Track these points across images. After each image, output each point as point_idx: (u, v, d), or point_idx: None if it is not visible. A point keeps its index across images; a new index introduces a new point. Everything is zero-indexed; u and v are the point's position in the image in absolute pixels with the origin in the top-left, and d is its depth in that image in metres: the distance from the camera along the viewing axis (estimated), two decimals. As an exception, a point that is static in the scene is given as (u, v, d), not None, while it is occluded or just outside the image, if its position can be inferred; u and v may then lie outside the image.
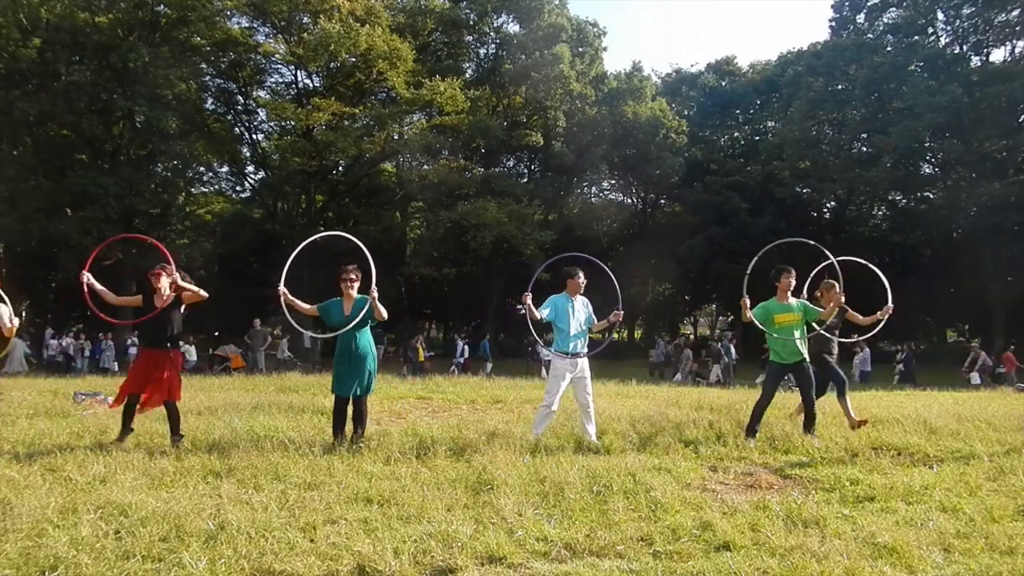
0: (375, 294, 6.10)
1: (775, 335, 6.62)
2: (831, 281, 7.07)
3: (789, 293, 6.74)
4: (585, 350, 6.60)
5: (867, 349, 23.50)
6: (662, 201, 44.42)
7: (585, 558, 3.44)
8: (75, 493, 4.36)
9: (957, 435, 6.67)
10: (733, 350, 24.20)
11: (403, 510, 4.13)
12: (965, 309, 35.63)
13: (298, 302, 6.28)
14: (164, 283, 6.17)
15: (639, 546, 3.60)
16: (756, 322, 6.70)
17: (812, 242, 7.77)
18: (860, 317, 7.26)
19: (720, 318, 52.34)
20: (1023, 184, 29.64)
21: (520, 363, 24.64)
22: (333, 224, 36.96)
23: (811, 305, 6.86)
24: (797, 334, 6.59)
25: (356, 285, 6.32)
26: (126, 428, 6.16)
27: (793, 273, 6.75)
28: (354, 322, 6.15)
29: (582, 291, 6.64)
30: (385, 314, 6.24)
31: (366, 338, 6.28)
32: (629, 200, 44.31)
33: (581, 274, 6.61)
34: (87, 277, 6.09)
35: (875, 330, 7.12)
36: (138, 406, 6.17)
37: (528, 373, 20.14)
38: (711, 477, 5.17)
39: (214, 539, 3.54)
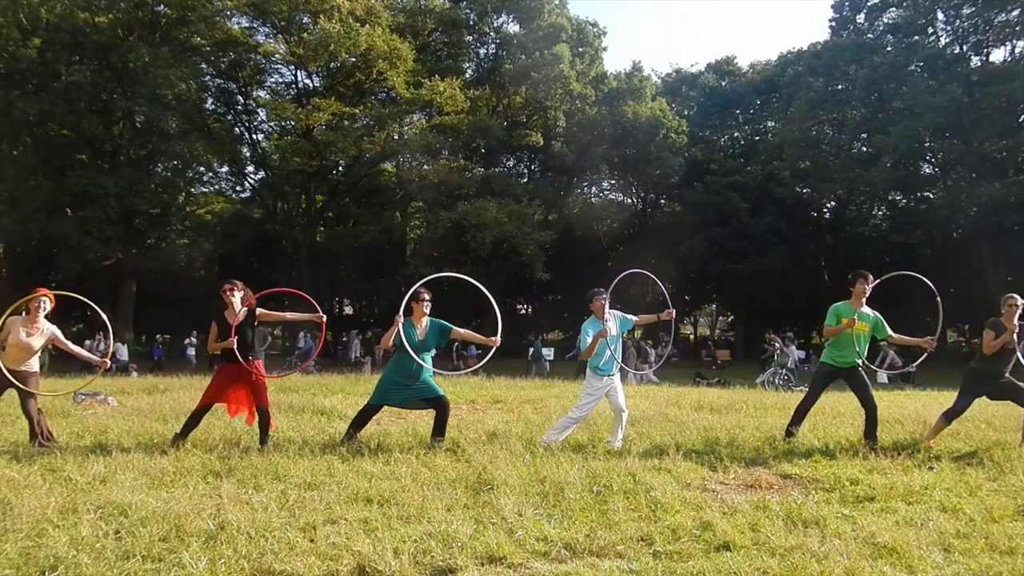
0: (497, 342, 6.29)
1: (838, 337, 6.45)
2: (1015, 296, 6.27)
3: (864, 300, 6.46)
4: (619, 365, 6.48)
5: (792, 345, 23.91)
6: (662, 201, 44.39)
7: (585, 558, 3.44)
8: (75, 493, 4.36)
9: (957, 435, 6.68)
10: (795, 351, 23.40)
11: (403, 510, 4.13)
12: (965, 309, 35.67)
13: (393, 335, 6.17)
14: (236, 299, 6.14)
15: (639, 546, 3.60)
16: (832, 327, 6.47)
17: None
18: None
19: (720, 318, 52.40)
20: (1023, 184, 29.61)
21: (520, 363, 24.63)
22: (333, 224, 37.01)
23: (884, 321, 6.52)
24: (860, 344, 6.41)
25: (429, 307, 6.36)
26: (185, 436, 6.10)
27: (870, 279, 6.45)
28: (427, 347, 6.27)
29: (607, 310, 6.39)
30: (496, 341, 6.33)
31: (429, 358, 6.35)
32: (629, 200, 44.28)
33: (605, 295, 6.41)
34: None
35: None
36: (228, 414, 6.30)
37: (528, 373, 20.17)
38: (711, 477, 5.16)
39: (214, 539, 3.54)
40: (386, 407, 6.55)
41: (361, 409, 6.39)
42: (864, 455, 5.76)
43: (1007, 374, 6.31)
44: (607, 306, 6.37)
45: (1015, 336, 6.23)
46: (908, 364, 23.04)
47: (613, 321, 6.44)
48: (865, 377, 6.49)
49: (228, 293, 6.12)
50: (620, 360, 6.47)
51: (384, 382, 6.32)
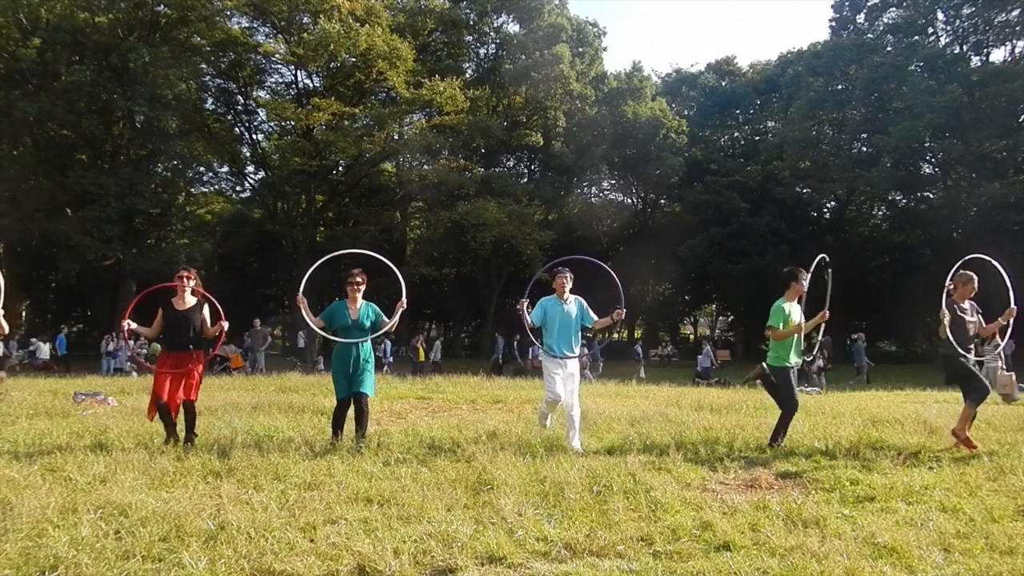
0: (403, 304, 6.29)
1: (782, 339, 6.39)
2: (968, 273, 6.30)
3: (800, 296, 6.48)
4: (576, 352, 6.43)
5: (708, 347, 24.43)
6: (662, 201, 44.42)
7: (585, 558, 3.44)
8: (75, 493, 4.36)
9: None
10: (863, 352, 22.92)
11: (403, 510, 4.13)
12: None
13: (310, 316, 6.34)
14: (189, 287, 6.27)
15: (639, 546, 3.60)
16: (774, 329, 6.48)
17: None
18: (985, 325, 6.43)
19: (720, 318, 52.42)
20: (1023, 184, 29.62)
21: (519, 363, 24.64)
22: (333, 224, 37.03)
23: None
24: (800, 342, 6.39)
25: (362, 290, 6.37)
26: (171, 433, 6.12)
27: (804, 274, 6.45)
28: (362, 327, 6.25)
29: (568, 290, 6.46)
30: (393, 324, 6.36)
31: (365, 341, 6.32)
32: (629, 200, 44.30)
33: (567, 274, 6.47)
34: (128, 324, 6.16)
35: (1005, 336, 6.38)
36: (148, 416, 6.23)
37: (528, 373, 20.15)
38: (711, 477, 5.16)
39: (214, 539, 3.54)
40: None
41: (335, 409, 6.41)
42: (864, 455, 5.76)
43: (974, 350, 6.24)
44: (568, 286, 6.43)
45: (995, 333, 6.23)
46: (805, 364, 23.36)
47: (575, 306, 6.48)
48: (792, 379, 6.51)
49: (185, 280, 6.23)
50: (577, 345, 6.44)
51: (332, 375, 6.37)
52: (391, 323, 6.37)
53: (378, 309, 6.41)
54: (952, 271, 6.42)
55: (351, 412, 6.23)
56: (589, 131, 35.11)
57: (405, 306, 6.34)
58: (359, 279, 6.32)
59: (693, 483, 4.95)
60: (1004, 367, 12.61)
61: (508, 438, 6.38)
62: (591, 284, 7.81)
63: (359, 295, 6.34)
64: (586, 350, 22.13)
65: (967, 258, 6.61)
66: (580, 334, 6.55)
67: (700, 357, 24.25)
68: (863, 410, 8.87)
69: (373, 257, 7.06)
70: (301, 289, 6.35)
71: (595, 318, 6.53)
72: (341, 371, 6.23)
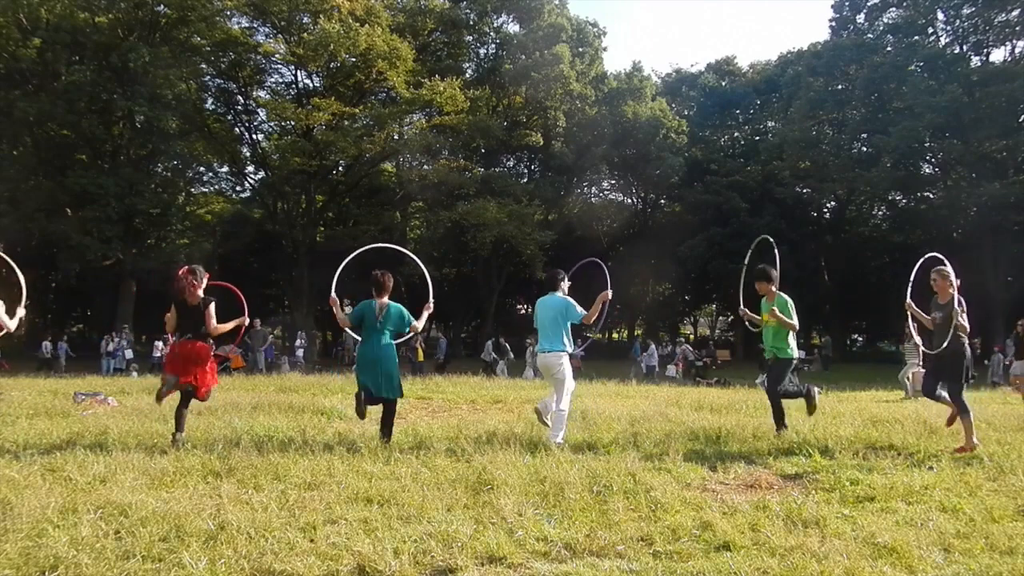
0: (431, 307, 6.57)
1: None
2: (944, 268, 6.32)
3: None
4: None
5: (652, 345, 24.56)
6: (662, 201, 44.39)
7: (585, 558, 3.44)
8: (75, 493, 4.36)
9: (957, 435, 6.66)
10: (970, 352, 22.68)
11: (403, 510, 4.13)
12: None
13: (340, 314, 6.52)
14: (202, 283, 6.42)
15: (639, 546, 3.60)
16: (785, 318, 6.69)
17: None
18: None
19: (720, 318, 52.43)
20: (1023, 184, 29.63)
21: (520, 363, 24.62)
22: (333, 224, 37.03)
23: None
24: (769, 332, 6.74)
25: (389, 291, 6.42)
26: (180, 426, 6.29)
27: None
28: (382, 328, 6.26)
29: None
30: (420, 327, 6.48)
31: (389, 342, 6.32)
32: (629, 200, 44.29)
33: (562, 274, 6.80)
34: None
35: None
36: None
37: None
38: (711, 477, 5.16)
39: (214, 539, 3.54)
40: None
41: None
42: (864, 455, 5.76)
43: (943, 346, 6.27)
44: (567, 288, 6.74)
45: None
46: (701, 358, 24.02)
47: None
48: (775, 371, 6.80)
49: (192, 277, 6.33)
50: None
51: (356, 370, 6.46)
52: (419, 324, 6.46)
53: (403, 310, 6.36)
54: (914, 273, 6.57)
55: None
56: (589, 131, 35.12)
57: (432, 308, 6.53)
58: (390, 283, 6.40)
59: (693, 483, 4.95)
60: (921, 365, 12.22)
61: (508, 438, 6.38)
62: (586, 281, 7.87)
63: (386, 296, 6.36)
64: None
65: (927, 256, 6.69)
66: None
67: (645, 355, 24.21)
68: (863, 410, 8.87)
69: (392, 251, 7.24)
70: (333, 288, 6.59)
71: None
72: (361, 368, 6.28)
